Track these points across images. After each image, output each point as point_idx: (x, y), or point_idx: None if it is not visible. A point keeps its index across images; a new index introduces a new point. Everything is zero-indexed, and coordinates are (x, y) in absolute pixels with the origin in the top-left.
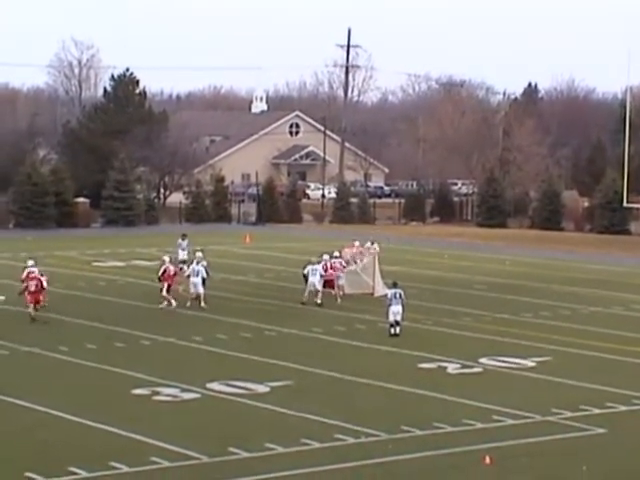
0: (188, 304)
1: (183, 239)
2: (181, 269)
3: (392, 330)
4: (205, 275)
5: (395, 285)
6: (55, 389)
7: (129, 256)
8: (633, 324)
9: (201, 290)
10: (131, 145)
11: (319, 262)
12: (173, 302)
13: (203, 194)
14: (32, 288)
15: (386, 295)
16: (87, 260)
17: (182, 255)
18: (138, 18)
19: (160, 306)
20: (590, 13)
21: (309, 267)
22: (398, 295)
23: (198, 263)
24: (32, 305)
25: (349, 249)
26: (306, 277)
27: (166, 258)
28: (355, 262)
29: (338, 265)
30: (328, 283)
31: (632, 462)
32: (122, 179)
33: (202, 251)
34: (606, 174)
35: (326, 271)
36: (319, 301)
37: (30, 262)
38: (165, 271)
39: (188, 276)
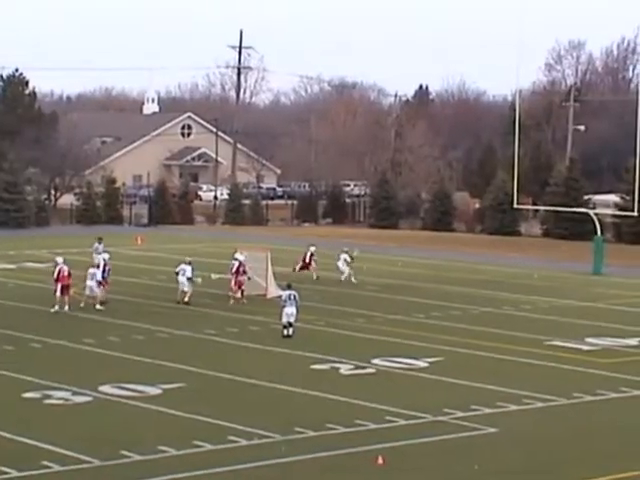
0: (82, 305)
1: (99, 242)
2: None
3: (285, 331)
4: (100, 278)
5: (289, 287)
6: None
7: (19, 258)
8: (523, 324)
9: (97, 292)
10: (21, 146)
11: (190, 263)
12: (66, 307)
13: (94, 196)
14: None
15: (280, 297)
16: None
17: (98, 259)
18: (28, 18)
19: (52, 310)
20: (480, 16)
21: (180, 267)
22: (292, 297)
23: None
24: None
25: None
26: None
27: (59, 259)
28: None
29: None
30: (237, 284)
31: (523, 461)
32: (12, 180)
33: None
34: (496, 176)
35: (237, 272)
36: (186, 299)
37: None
38: (59, 272)
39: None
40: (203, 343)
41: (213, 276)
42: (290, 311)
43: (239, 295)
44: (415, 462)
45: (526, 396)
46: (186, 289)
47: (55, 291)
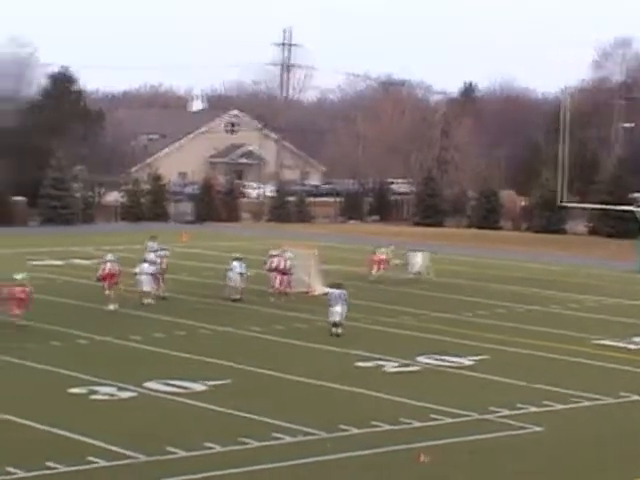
0: (145, 302)
1: (152, 240)
2: (135, 274)
3: (334, 330)
4: (151, 272)
5: (339, 286)
6: None
7: (66, 255)
8: (569, 322)
9: (147, 288)
10: (68, 143)
11: (240, 258)
12: (111, 304)
13: (140, 193)
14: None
15: (327, 294)
16: (24, 259)
17: (152, 257)
18: (76, 16)
19: (107, 308)
20: (527, 13)
21: (232, 263)
22: (342, 296)
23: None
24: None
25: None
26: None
27: (109, 256)
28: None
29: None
30: (282, 281)
31: (568, 459)
32: (59, 177)
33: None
34: (543, 174)
35: (282, 269)
36: (238, 296)
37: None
38: (105, 270)
39: (136, 274)
40: (248, 340)
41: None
42: (339, 310)
43: (284, 291)
44: (460, 460)
45: (572, 395)
46: (235, 285)
47: (104, 289)
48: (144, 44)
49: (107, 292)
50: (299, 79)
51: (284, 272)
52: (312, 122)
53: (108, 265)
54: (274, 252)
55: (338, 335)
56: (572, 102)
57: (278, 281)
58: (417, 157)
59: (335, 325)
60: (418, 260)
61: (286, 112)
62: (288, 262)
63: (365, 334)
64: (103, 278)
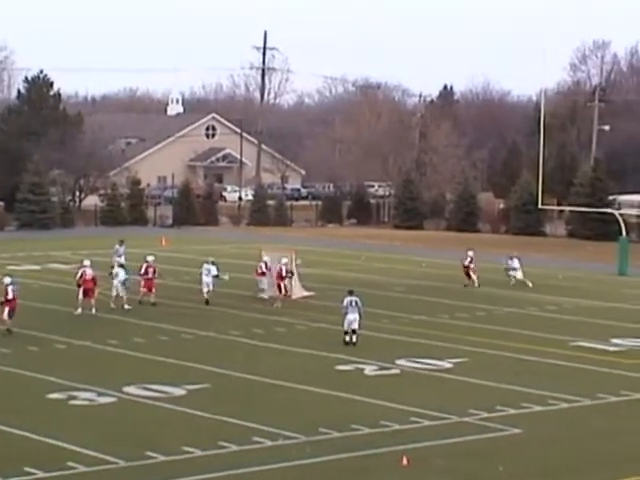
0: (112, 306)
1: (120, 245)
2: (110, 274)
3: (347, 338)
4: (124, 278)
5: (351, 293)
6: None
7: (44, 259)
8: (547, 325)
9: (122, 293)
10: (46, 147)
11: (213, 262)
12: (93, 310)
13: (119, 197)
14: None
15: (306, 297)
16: (1, 264)
17: (119, 261)
18: (52, 19)
19: (75, 312)
20: (505, 15)
21: (204, 267)
22: (354, 303)
23: (121, 266)
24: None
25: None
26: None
27: (86, 262)
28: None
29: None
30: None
31: (547, 461)
32: (37, 182)
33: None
34: (521, 176)
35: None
36: (206, 296)
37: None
38: (82, 275)
39: (114, 279)
40: (228, 344)
41: (226, 277)
42: (352, 317)
43: (282, 294)
44: (440, 463)
45: (551, 397)
46: (207, 289)
47: (78, 294)
48: (122, 48)
49: (80, 297)
50: (277, 83)
51: (283, 277)
52: (290, 126)
53: (87, 271)
54: (265, 257)
55: (355, 343)
56: (549, 105)
57: (277, 286)
58: (395, 160)
59: (351, 332)
60: (516, 266)
61: (264, 116)
62: (285, 266)
63: None
64: (82, 282)
